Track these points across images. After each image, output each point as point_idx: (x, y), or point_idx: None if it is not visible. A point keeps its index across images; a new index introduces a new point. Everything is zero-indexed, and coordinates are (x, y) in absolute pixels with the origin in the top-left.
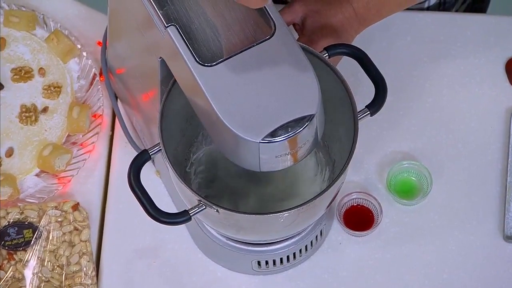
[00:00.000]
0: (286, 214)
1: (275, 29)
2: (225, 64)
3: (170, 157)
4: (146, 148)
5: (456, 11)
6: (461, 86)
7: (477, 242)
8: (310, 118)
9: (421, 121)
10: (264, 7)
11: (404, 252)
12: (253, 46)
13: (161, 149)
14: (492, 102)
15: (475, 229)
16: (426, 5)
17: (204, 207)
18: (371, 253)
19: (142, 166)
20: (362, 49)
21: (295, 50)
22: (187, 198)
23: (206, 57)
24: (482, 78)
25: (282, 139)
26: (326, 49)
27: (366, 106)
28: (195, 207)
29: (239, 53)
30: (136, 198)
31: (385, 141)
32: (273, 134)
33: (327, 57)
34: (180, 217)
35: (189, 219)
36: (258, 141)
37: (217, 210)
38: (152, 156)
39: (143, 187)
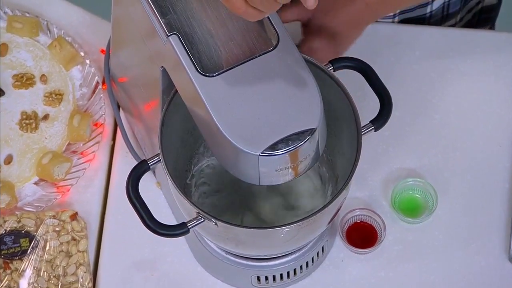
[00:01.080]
0: (286, 229)
1: (278, 41)
2: (227, 75)
3: (169, 167)
4: (146, 159)
5: (461, 18)
6: (469, 103)
7: (482, 263)
8: (311, 132)
9: (427, 137)
10: (268, 17)
11: (407, 271)
12: (256, 57)
13: (160, 160)
14: (500, 120)
15: (480, 249)
16: (428, 9)
17: (202, 219)
18: (374, 271)
19: (141, 177)
20: (369, 63)
21: (298, 62)
22: (186, 210)
23: (207, 67)
24: (491, 95)
25: (282, 152)
26: (331, 62)
27: (371, 121)
28: (193, 219)
29: (241, 64)
30: (134, 209)
31: (390, 157)
32: (273, 147)
33: (332, 70)
34: (178, 230)
35: (187, 231)
36: (258, 154)
37: (216, 223)
38: (151, 167)
39: (141, 198)
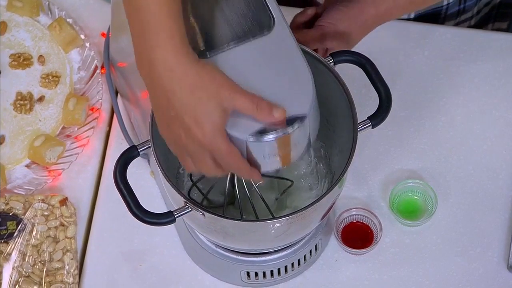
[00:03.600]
0: (276, 224)
1: (273, 25)
2: (218, 57)
3: (159, 154)
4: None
5: (479, 11)
6: (477, 107)
7: (480, 270)
8: (301, 119)
9: (432, 139)
10: (265, 1)
11: (402, 274)
12: (249, 40)
13: (150, 146)
14: (507, 126)
15: (478, 256)
16: (445, 1)
17: (189, 209)
18: (368, 273)
19: (130, 162)
20: (377, 61)
21: (292, 48)
22: (174, 199)
23: (200, 49)
24: (499, 99)
25: (270, 138)
26: (332, 55)
27: (368, 118)
28: (180, 208)
29: (234, 47)
30: (120, 195)
31: (392, 158)
32: (261, 132)
33: (332, 63)
34: (163, 218)
35: (173, 220)
36: (245, 138)
37: (203, 214)
38: (141, 153)
39: (128, 184)
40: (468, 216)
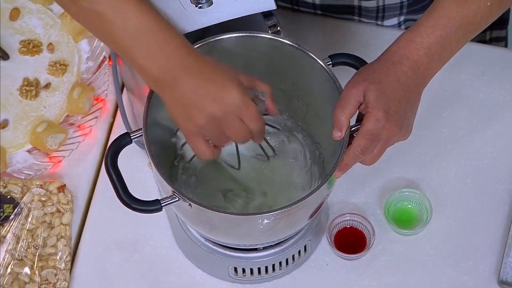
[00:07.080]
0: (265, 220)
1: None
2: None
3: (152, 143)
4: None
5: None
6: (480, 121)
7: (470, 283)
8: None
9: (432, 150)
10: None
11: (392, 282)
12: None
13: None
14: (509, 142)
15: (470, 269)
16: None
17: (177, 198)
18: (358, 279)
19: (122, 148)
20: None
21: None
22: (163, 187)
23: None
24: (503, 115)
25: None
26: (330, 57)
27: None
28: (168, 197)
29: None
30: (110, 180)
31: (391, 166)
32: None
33: (331, 65)
34: (150, 206)
35: (160, 209)
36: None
37: (190, 204)
38: (135, 141)
39: (118, 170)
40: (463, 228)
